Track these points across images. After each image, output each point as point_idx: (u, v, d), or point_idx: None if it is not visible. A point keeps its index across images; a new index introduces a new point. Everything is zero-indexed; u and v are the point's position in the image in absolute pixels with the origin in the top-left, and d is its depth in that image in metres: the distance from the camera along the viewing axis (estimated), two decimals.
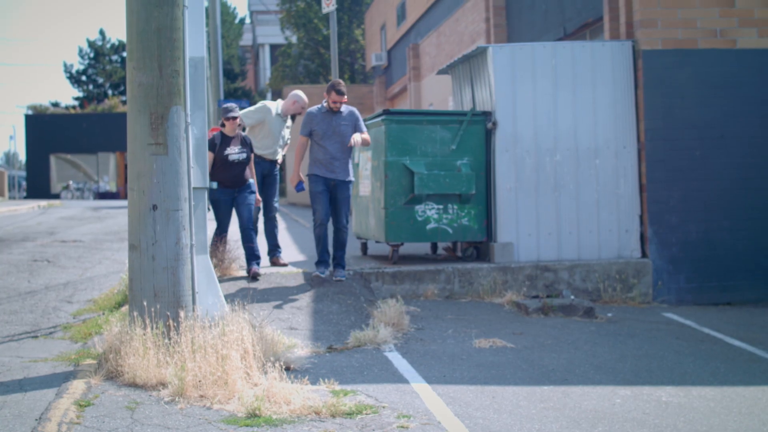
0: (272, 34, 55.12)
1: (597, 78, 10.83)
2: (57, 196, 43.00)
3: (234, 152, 9.80)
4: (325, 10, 13.41)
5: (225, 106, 9.85)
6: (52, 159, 45.69)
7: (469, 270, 10.36)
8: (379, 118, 10.70)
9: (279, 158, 10.67)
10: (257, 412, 5.74)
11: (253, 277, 9.98)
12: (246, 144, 9.98)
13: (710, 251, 10.80)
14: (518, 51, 10.78)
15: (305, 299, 9.55)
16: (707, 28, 10.83)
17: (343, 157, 9.67)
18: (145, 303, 6.94)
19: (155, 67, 7.02)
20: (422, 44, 23.79)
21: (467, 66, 11.74)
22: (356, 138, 9.64)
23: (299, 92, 10.71)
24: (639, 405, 6.29)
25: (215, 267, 9.90)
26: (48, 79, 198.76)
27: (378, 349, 7.77)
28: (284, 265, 10.85)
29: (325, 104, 9.68)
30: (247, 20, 63.92)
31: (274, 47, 55.39)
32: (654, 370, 7.34)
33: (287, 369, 6.83)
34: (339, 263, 9.93)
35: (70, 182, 45.30)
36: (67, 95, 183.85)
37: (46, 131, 44.56)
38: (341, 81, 9.96)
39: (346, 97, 9.73)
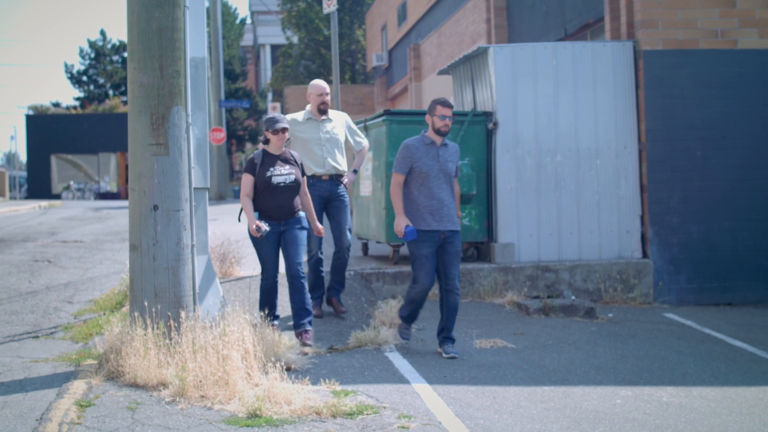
0: (273, 34, 55.15)
1: (598, 78, 10.83)
2: (58, 197, 43.00)
3: (280, 173, 7.73)
4: (326, 10, 13.43)
5: (270, 116, 7.88)
6: (53, 159, 45.69)
7: (469, 270, 10.36)
8: (380, 119, 10.70)
9: (341, 166, 8.71)
10: (258, 412, 5.74)
11: (304, 344, 7.70)
12: (295, 163, 7.89)
13: (711, 252, 10.80)
14: (519, 51, 10.79)
15: None
16: (708, 28, 10.83)
17: (453, 202, 7.66)
18: (146, 303, 6.95)
19: (156, 67, 7.03)
20: (423, 45, 23.79)
21: (468, 66, 11.74)
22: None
23: (313, 82, 8.96)
24: (640, 405, 6.28)
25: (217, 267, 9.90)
26: (49, 79, 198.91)
27: (379, 349, 7.77)
28: (343, 311, 8.85)
29: (426, 132, 7.65)
30: (248, 20, 63.93)
31: (275, 47, 55.43)
32: (655, 370, 7.33)
33: (288, 369, 6.84)
34: (449, 337, 7.71)
35: (71, 182, 45.29)
36: (67, 95, 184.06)
37: (47, 131, 44.55)
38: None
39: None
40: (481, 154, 10.72)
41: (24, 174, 54.79)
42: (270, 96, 47.74)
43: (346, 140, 8.96)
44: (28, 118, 45.96)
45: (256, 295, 9.48)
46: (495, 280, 10.31)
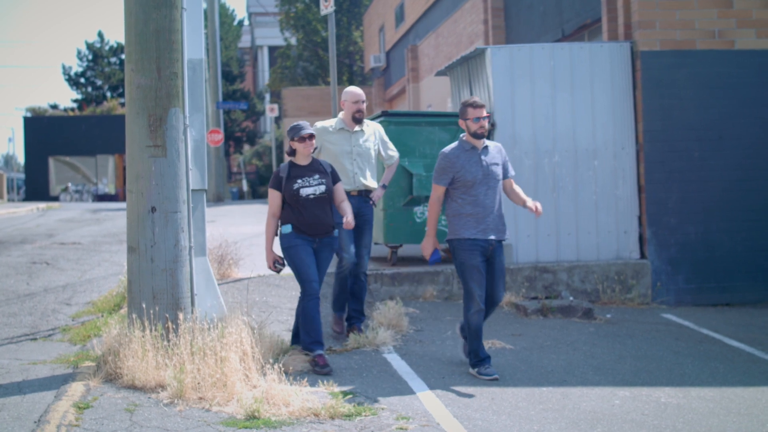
0: (271, 35, 55.15)
1: (595, 79, 10.84)
2: (56, 199, 42.96)
3: (308, 185, 7.10)
4: (323, 11, 13.43)
5: (294, 124, 7.26)
6: (51, 161, 45.65)
7: None
8: (378, 120, 10.70)
9: (371, 183, 8.09)
10: (256, 414, 5.74)
11: (322, 366, 7.00)
12: (325, 172, 7.25)
13: (709, 252, 10.80)
14: (516, 52, 10.79)
15: None
16: (705, 29, 10.84)
17: (500, 209, 7.08)
18: (143, 305, 6.94)
19: (154, 69, 7.02)
20: (421, 46, 23.80)
21: (465, 67, 11.74)
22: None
23: (347, 89, 8.20)
24: (638, 406, 6.29)
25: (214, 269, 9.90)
26: (46, 81, 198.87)
27: (377, 350, 7.77)
28: (341, 332, 8.24)
29: (463, 137, 7.10)
30: (246, 22, 63.92)
31: (272, 49, 55.42)
32: (653, 371, 7.34)
33: (286, 371, 6.83)
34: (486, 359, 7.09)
35: (69, 184, 45.26)
36: (65, 97, 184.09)
37: (45, 133, 44.51)
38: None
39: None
40: None
41: (22, 176, 54.78)
42: (268, 97, 47.73)
43: (378, 153, 8.32)
44: (26, 120, 45.92)
45: (255, 296, 9.48)
46: None
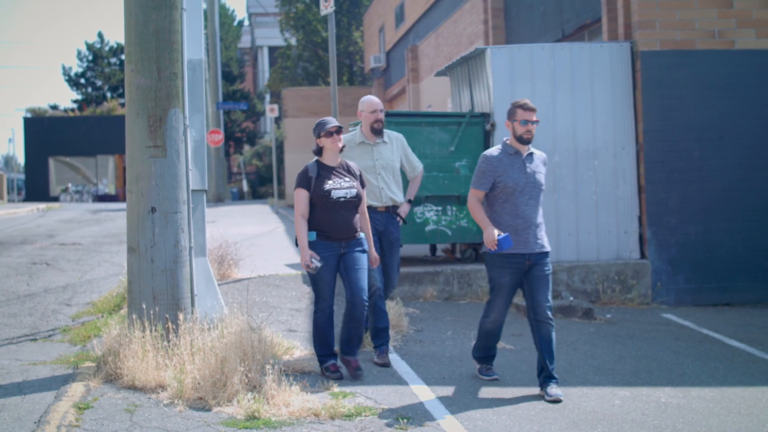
0: (271, 36, 55.16)
1: (595, 79, 10.84)
2: (56, 199, 42.98)
3: (340, 186, 6.73)
4: (323, 12, 13.41)
5: (319, 120, 6.82)
6: (51, 162, 45.68)
7: (468, 271, 10.37)
8: None
9: (398, 198, 7.67)
10: (256, 414, 5.74)
11: (333, 371, 6.82)
12: (354, 174, 6.90)
13: (709, 252, 10.80)
14: (516, 52, 10.79)
15: (304, 301, 9.55)
16: (705, 29, 10.84)
17: (541, 220, 6.61)
18: (144, 305, 6.94)
19: (154, 69, 7.03)
20: (421, 46, 23.79)
21: (465, 67, 11.74)
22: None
23: (363, 98, 7.73)
24: (638, 406, 6.28)
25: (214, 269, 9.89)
26: (47, 81, 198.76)
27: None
28: (386, 365, 7.26)
29: (507, 140, 6.61)
30: (246, 22, 63.94)
31: (272, 49, 55.43)
32: (653, 371, 7.34)
33: (286, 371, 6.83)
34: (550, 376, 6.52)
35: (69, 185, 45.28)
36: (65, 98, 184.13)
37: (45, 134, 44.54)
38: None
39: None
40: (479, 155, 10.68)
41: (22, 176, 54.80)
42: (268, 98, 47.73)
43: (401, 165, 7.87)
44: (26, 120, 45.95)
45: (255, 296, 9.48)
46: None
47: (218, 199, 33.41)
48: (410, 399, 6.32)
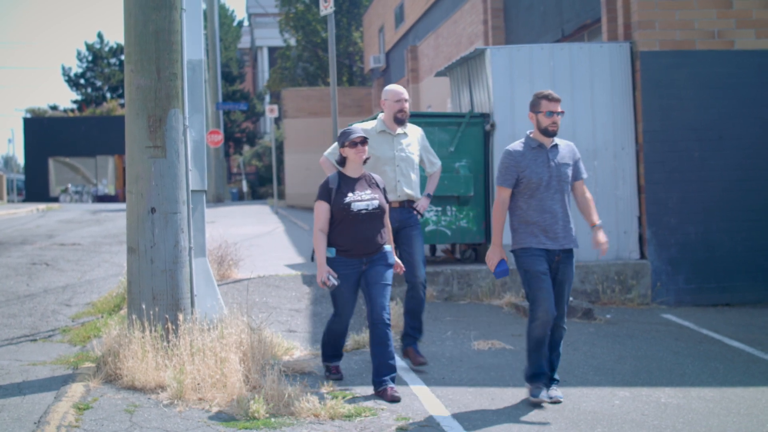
0: (270, 36, 55.13)
1: (595, 79, 10.84)
2: (56, 200, 42.96)
3: (361, 199, 6.41)
4: (323, 12, 13.41)
5: (344, 129, 6.54)
6: (51, 162, 45.68)
7: (467, 272, 10.37)
8: (377, 120, 10.69)
9: (414, 193, 7.33)
10: (256, 414, 5.73)
11: (392, 399, 6.25)
12: (377, 186, 6.57)
13: (709, 252, 10.80)
14: (516, 53, 10.79)
15: (304, 302, 9.55)
16: (705, 29, 10.84)
17: (568, 215, 6.34)
18: (143, 306, 6.94)
19: (153, 70, 7.03)
20: (420, 46, 23.79)
21: (465, 68, 11.74)
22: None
23: (387, 87, 7.45)
24: (638, 406, 6.28)
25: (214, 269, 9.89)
26: (46, 82, 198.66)
27: None
28: (422, 362, 7.20)
29: (530, 133, 6.39)
30: (246, 23, 63.94)
31: (272, 50, 55.41)
32: (653, 371, 7.34)
33: (286, 372, 6.83)
34: (552, 378, 6.46)
35: (69, 185, 45.29)
36: (65, 98, 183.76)
37: (45, 134, 44.54)
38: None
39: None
40: (479, 155, 10.73)
41: (22, 177, 54.78)
42: (267, 98, 47.73)
43: (420, 160, 7.56)
44: (26, 121, 45.95)
45: (255, 297, 9.48)
46: (493, 281, 10.30)
47: (218, 200, 33.41)
48: (410, 399, 6.32)
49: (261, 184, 43.89)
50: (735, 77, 10.89)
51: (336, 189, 6.40)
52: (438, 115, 11.54)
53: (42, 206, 30.51)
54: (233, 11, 54.30)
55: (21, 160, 64.38)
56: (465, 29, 18.89)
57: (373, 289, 6.40)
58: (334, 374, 6.86)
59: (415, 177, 7.34)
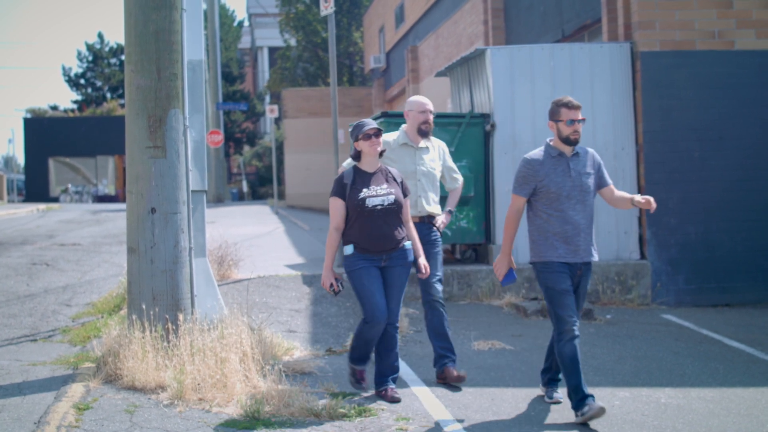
0: (271, 36, 55.14)
1: (595, 80, 10.84)
2: (56, 200, 42.97)
3: (376, 194, 6.16)
4: (323, 12, 13.40)
5: (357, 122, 6.32)
6: (51, 162, 45.69)
7: (467, 272, 10.36)
8: (377, 121, 10.70)
9: (435, 209, 7.00)
10: (256, 414, 5.74)
11: (392, 400, 6.25)
12: (394, 180, 6.33)
13: (709, 253, 10.80)
14: (516, 53, 10.79)
15: (304, 302, 9.55)
16: (705, 29, 10.84)
17: (591, 225, 6.11)
18: (143, 306, 6.94)
19: (153, 70, 7.03)
20: (421, 46, 23.79)
21: (465, 68, 11.74)
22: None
23: (411, 98, 7.13)
24: (638, 406, 6.28)
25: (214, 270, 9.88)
26: (46, 82, 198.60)
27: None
28: (461, 378, 6.75)
29: (550, 141, 6.11)
30: (246, 23, 63.93)
31: (272, 50, 55.42)
32: (653, 371, 7.33)
33: (286, 372, 6.83)
34: (557, 379, 6.43)
35: (69, 185, 45.29)
36: (65, 98, 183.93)
37: (45, 135, 44.55)
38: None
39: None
40: (479, 155, 10.73)
41: (22, 177, 54.76)
42: (268, 98, 47.74)
43: (441, 175, 7.23)
44: (26, 121, 45.96)
45: (255, 297, 9.48)
46: (493, 281, 10.31)
47: (218, 200, 33.41)
48: (410, 399, 6.31)
49: (261, 185, 43.90)
50: (735, 77, 10.89)
51: (351, 184, 6.18)
52: (438, 115, 11.51)
53: (42, 206, 30.51)
54: (233, 11, 54.32)
55: (21, 160, 64.42)
56: (465, 29, 18.89)
57: (389, 289, 6.25)
58: (358, 383, 6.43)
59: (436, 192, 7.06)
